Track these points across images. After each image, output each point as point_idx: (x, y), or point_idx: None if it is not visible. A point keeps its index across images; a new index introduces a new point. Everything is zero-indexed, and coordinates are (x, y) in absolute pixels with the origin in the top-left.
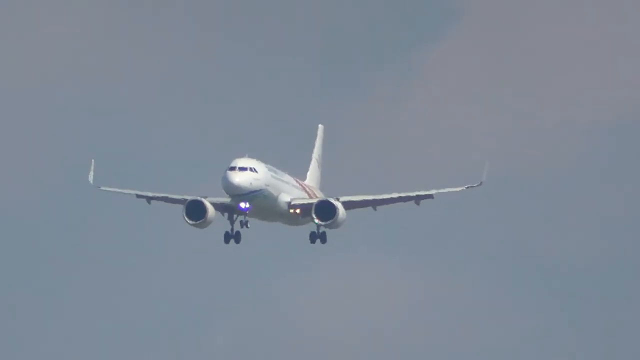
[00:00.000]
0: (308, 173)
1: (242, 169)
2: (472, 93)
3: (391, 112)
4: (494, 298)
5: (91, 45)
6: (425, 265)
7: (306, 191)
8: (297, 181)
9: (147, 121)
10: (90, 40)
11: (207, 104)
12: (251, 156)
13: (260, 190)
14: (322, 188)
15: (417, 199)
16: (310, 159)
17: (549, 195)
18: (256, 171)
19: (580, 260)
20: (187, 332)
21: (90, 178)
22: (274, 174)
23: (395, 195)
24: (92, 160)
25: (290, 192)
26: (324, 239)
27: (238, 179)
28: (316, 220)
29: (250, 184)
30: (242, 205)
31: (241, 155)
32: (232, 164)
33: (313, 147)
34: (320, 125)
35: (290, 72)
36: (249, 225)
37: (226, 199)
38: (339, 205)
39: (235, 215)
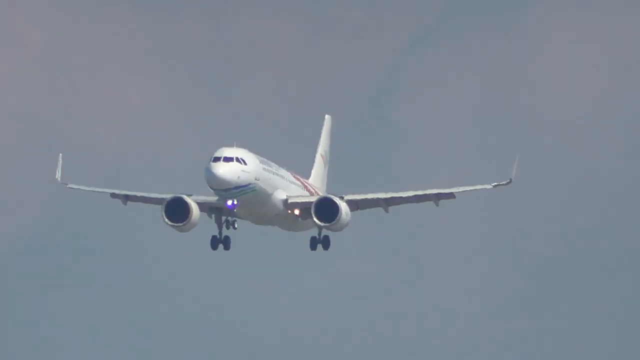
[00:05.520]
0: (312, 170)
1: (228, 159)
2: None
3: (408, 99)
4: (524, 317)
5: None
6: (442, 275)
7: (307, 189)
8: (296, 177)
9: (124, 112)
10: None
11: (195, 91)
12: (240, 146)
13: (250, 184)
14: (329, 189)
15: (436, 198)
16: (314, 155)
17: (588, 194)
18: (245, 162)
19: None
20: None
21: (58, 175)
22: (266, 167)
23: (409, 193)
24: (60, 154)
25: (287, 188)
26: (326, 245)
27: (222, 170)
28: (316, 221)
29: (238, 177)
30: (229, 202)
31: (228, 145)
32: (217, 154)
33: (318, 140)
34: (327, 116)
35: (291, 54)
36: (236, 226)
37: (212, 198)
38: (342, 204)
39: (223, 217)
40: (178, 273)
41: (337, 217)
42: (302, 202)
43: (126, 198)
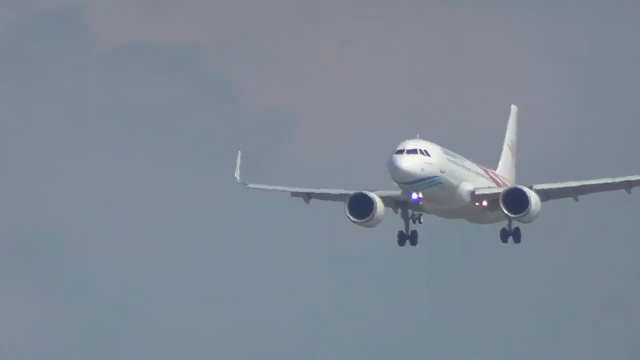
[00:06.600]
0: (500, 162)
1: (411, 151)
2: None
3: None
4: None
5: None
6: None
7: (495, 181)
8: (482, 169)
9: (306, 108)
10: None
11: (377, 83)
12: (424, 138)
13: (435, 177)
14: (518, 181)
15: (628, 185)
16: (501, 146)
17: None
18: (428, 154)
19: None
20: None
21: (237, 174)
22: (451, 158)
23: (600, 181)
24: (239, 152)
25: (474, 180)
26: (517, 237)
27: (406, 163)
28: (505, 212)
29: (422, 169)
30: (414, 195)
31: (411, 137)
32: (400, 147)
33: (505, 131)
34: (513, 106)
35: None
36: (422, 220)
37: (396, 192)
38: (531, 194)
39: (409, 212)
40: (366, 271)
41: (527, 208)
42: (489, 194)
43: (308, 196)
